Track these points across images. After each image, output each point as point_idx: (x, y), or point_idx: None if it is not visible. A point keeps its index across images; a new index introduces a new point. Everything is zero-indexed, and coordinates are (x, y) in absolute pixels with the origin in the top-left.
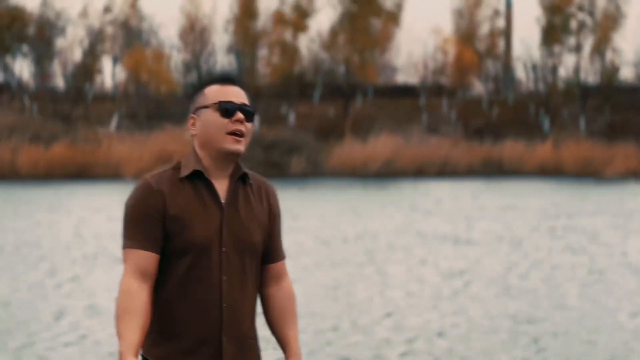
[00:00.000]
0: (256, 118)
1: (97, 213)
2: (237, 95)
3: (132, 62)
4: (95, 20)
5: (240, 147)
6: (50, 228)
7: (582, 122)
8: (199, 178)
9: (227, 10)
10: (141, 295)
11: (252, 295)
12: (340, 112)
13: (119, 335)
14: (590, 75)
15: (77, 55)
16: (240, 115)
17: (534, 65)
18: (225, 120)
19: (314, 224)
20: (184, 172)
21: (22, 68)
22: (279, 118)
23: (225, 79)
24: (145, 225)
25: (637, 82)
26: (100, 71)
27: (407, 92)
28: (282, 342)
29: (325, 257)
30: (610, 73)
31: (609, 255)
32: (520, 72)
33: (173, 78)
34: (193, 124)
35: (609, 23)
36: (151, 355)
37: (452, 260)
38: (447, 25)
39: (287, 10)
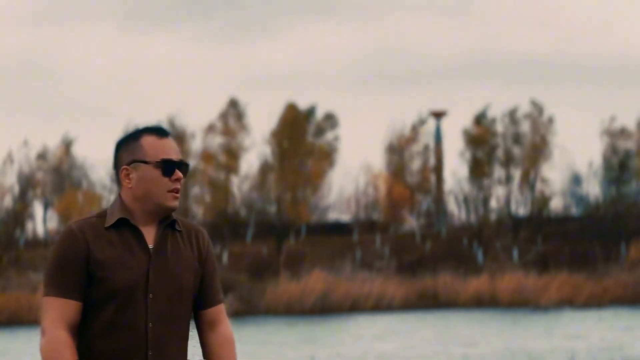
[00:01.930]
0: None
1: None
2: (175, 151)
3: (64, 205)
4: (24, 166)
5: (177, 202)
6: None
7: (515, 253)
8: (125, 225)
9: None
10: (72, 346)
11: (183, 342)
12: (274, 250)
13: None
14: (521, 206)
15: (7, 201)
16: (179, 174)
17: (465, 198)
18: (166, 179)
19: None
20: (110, 220)
21: None
22: None
23: (161, 132)
24: (69, 272)
25: (567, 212)
26: (31, 216)
27: (339, 229)
28: None
29: None
30: (540, 204)
31: None
32: (452, 206)
33: None
34: (127, 176)
35: (536, 154)
36: None
37: None
38: (378, 162)
39: (216, 150)
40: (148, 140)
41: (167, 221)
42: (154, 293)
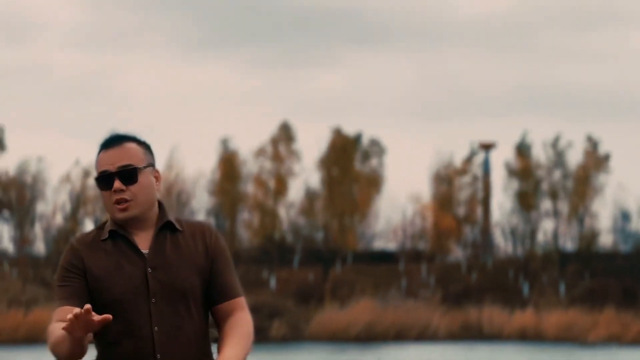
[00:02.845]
0: (145, 172)
1: None
2: (112, 160)
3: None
4: (76, 184)
5: (127, 213)
6: None
7: (562, 288)
8: (119, 236)
9: (207, 173)
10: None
11: (193, 342)
12: (320, 277)
13: (54, 336)
14: (569, 241)
15: (58, 219)
16: (117, 184)
17: (512, 230)
18: (107, 193)
19: None
20: (104, 233)
21: (2, 233)
22: (260, 283)
23: (105, 143)
24: (69, 283)
25: (615, 248)
26: None
27: (385, 257)
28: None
29: None
30: (588, 239)
31: None
32: (498, 238)
33: None
34: None
35: (584, 188)
36: None
37: None
38: (425, 191)
39: (266, 174)
40: (98, 158)
41: (161, 223)
42: (156, 297)
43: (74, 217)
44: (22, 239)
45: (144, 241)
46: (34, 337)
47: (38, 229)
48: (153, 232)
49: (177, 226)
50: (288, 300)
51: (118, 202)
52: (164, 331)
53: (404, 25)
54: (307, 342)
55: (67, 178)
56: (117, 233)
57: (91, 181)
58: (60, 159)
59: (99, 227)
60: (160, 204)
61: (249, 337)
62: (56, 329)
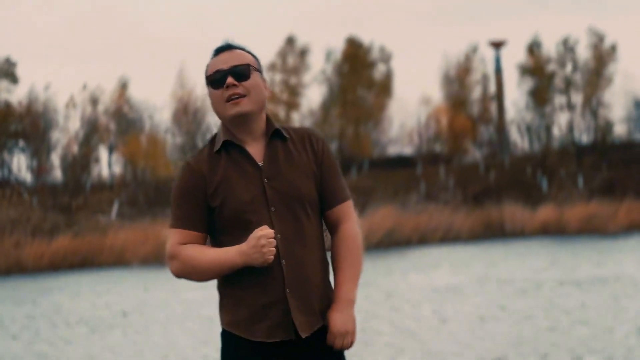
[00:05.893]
0: (256, 73)
1: (107, 296)
2: (225, 61)
3: (128, 149)
4: (86, 109)
5: (240, 108)
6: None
7: (580, 180)
8: (232, 147)
9: None
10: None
11: (316, 248)
12: None
13: (212, 261)
14: (585, 134)
15: (74, 146)
16: (229, 79)
17: (528, 126)
18: (219, 91)
19: None
20: (217, 145)
21: (20, 162)
22: None
23: (217, 50)
24: (187, 205)
25: (630, 137)
26: (97, 161)
27: (402, 162)
28: (334, 288)
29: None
30: (603, 130)
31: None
32: (514, 135)
33: (170, 162)
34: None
35: (595, 79)
36: (224, 323)
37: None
38: (436, 93)
39: (277, 89)
40: (210, 63)
41: (270, 132)
42: (275, 205)
43: (87, 143)
44: (39, 168)
45: (256, 152)
46: (58, 264)
47: (54, 157)
48: (264, 142)
49: (285, 134)
50: None
51: (230, 97)
52: (286, 238)
53: None
54: (328, 250)
55: (72, 103)
56: (231, 143)
57: (101, 108)
58: (70, 86)
59: (210, 141)
60: (266, 115)
61: (358, 255)
62: (213, 253)
